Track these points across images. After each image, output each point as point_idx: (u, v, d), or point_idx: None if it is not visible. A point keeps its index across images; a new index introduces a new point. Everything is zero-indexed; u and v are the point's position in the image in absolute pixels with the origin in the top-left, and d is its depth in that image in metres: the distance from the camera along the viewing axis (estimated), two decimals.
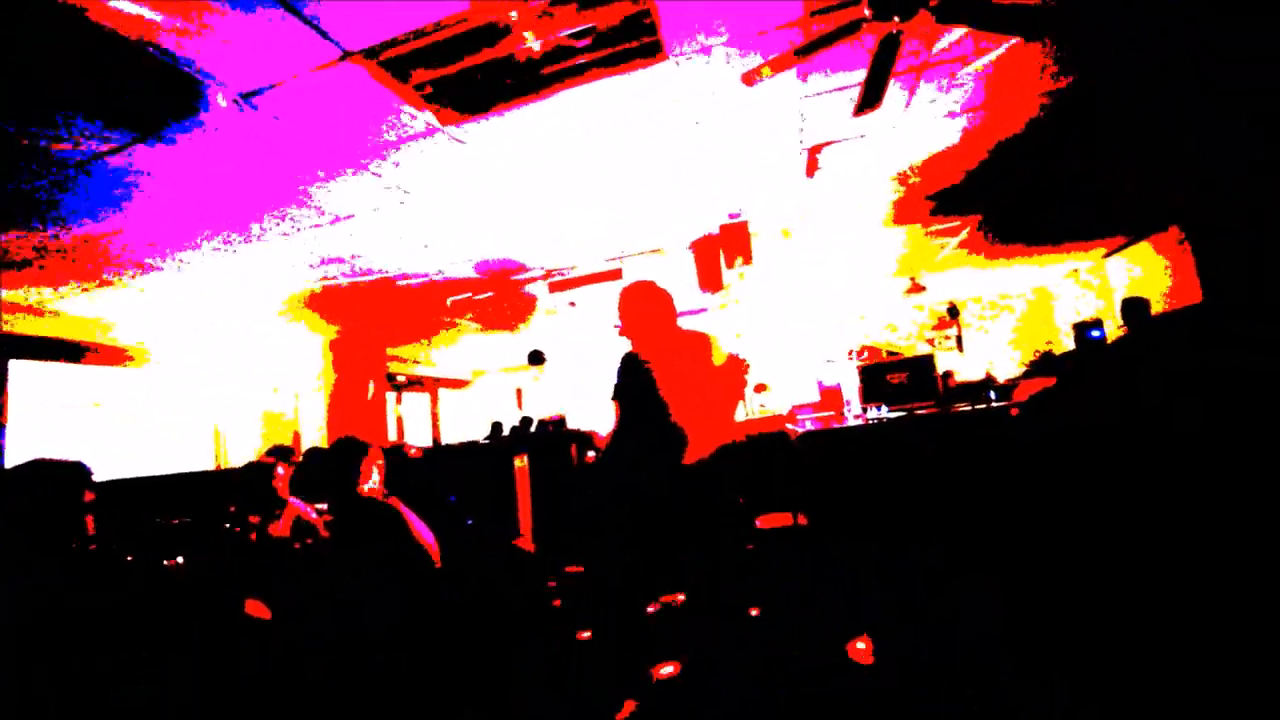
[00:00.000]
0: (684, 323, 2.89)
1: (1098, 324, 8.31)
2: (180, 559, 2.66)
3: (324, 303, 6.00)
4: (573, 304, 7.49)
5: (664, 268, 6.23)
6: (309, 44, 2.31)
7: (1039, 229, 6.47)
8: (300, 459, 4.73)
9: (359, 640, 2.02)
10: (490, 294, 6.57)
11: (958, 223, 5.87)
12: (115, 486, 3.78)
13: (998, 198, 5.23)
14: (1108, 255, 7.83)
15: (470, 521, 5.29)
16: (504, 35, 2.48)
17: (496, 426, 9.04)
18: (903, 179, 4.58)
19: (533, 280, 6.23)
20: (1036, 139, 4.04)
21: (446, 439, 11.35)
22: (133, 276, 4.53)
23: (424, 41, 2.42)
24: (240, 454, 7.33)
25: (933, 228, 5.97)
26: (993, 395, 5.36)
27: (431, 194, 3.86)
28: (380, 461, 2.48)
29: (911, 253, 6.92)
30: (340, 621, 2.06)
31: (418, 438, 10.59)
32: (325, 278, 5.23)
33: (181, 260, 4.36)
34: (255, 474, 3.22)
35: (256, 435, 7.54)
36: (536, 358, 8.08)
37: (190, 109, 2.60)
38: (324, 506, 3.83)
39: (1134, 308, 3.73)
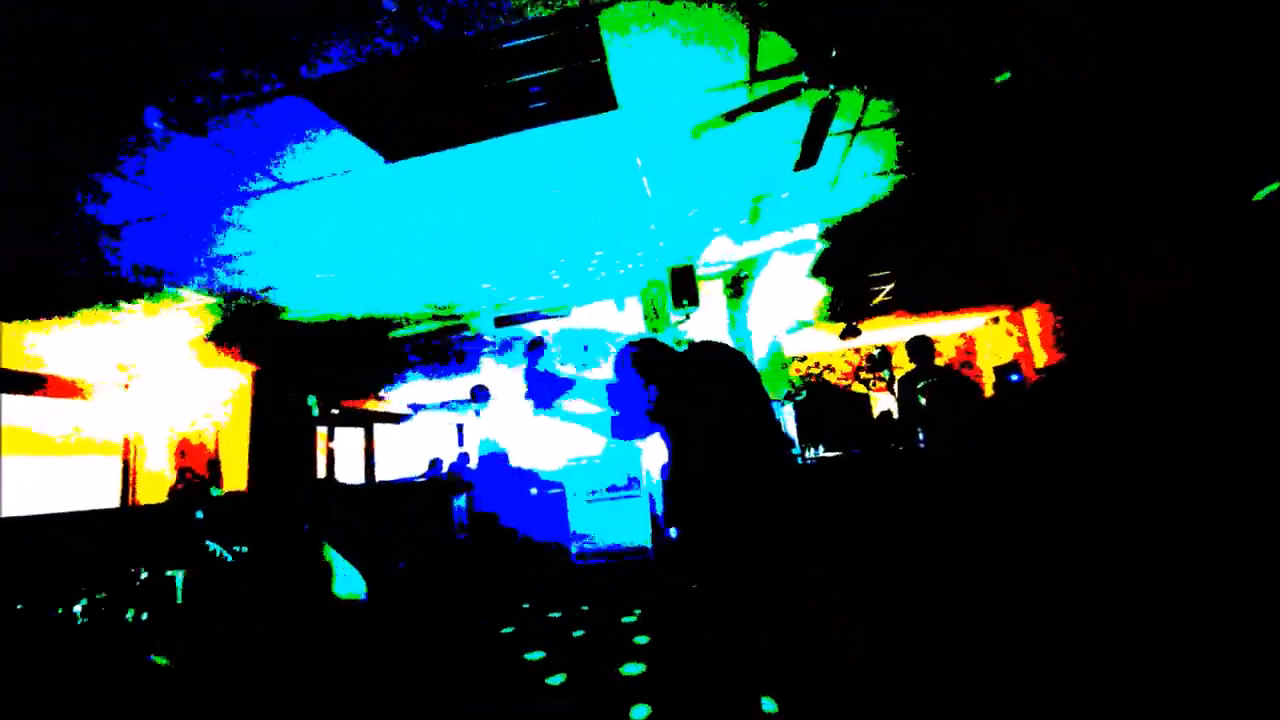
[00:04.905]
0: None
1: (1015, 368, 8.84)
2: (79, 607, 2.44)
3: (241, 338, 5.74)
4: (521, 340, 7.44)
5: (612, 308, 6.30)
6: (254, 75, 2.29)
7: (940, 294, 7.15)
8: (216, 498, 4.45)
9: (285, 688, 1.90)
10: (432, 331, 6.46)
11: (886, 273, 6.22)
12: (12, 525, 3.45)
13: (906, 262, 5.68)
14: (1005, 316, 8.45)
15: (403, 565, 5.07)
16: (455, 77, 2.52)
17: (435, 463, 8.77)
18: (827, 234, 4.85)
19: (476, 316, 6.18)
20: (936, 213, 4.45)
21: (382, 475, 10.89)
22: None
23: (368, 79, 2.44)
24: (152, 489, 6.80)
25: (863, 278, 6.30)
26: (922, 435, 5.63)
27: (369, 228, 3.81)
28: (315, 500, 2.37)
29: (845, 302, 7.26)
30: (262, 669, 1.93)
31: (350, 474, 10.13)
32: (239, 310, 5.02)
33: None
34: (171, 517, 3.02)
35: (169, 469, 7.03)
36: (480, 394, 7.94)
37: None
38: (242, 549, 3.60)
39: (918, 347, 4.86)
